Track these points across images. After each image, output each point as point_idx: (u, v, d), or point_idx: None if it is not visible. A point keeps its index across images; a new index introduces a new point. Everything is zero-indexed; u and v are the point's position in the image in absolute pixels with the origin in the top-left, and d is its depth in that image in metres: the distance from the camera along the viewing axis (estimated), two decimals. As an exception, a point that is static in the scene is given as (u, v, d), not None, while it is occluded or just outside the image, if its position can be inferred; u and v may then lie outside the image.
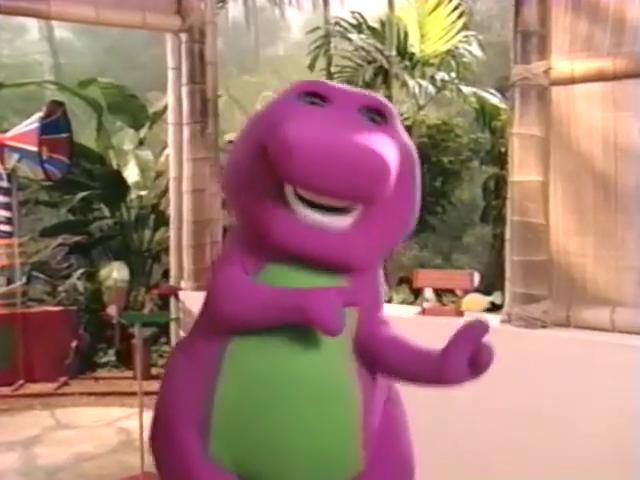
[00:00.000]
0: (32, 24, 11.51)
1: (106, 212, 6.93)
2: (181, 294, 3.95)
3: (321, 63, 7.14)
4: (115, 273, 6.12)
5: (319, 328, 1.41)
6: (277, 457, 1.53)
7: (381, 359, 1.56)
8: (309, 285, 1.48)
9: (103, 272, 6.20)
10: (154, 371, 5.96)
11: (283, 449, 1.51)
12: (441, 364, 1.45)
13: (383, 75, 6.79)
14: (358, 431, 1.54)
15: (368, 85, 6.81)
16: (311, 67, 7.07)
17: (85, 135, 6.97)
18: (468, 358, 1.45)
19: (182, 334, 3.95)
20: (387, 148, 1.41)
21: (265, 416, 1.51)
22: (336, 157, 1.33)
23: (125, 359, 6.00)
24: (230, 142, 7.13)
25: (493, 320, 2.90)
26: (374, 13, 7.25)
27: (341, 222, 1.47)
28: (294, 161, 1.34)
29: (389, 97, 6.75)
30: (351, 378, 1.54)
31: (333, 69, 7.16)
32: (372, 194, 1.40)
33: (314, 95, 1.53)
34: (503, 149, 6.59)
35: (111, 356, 6.16)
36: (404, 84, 6.59)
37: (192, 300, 3.86)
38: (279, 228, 1.47)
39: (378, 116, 1.54)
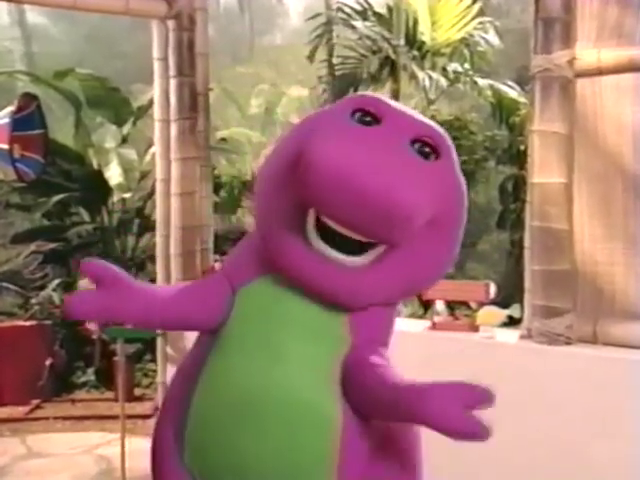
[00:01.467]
0: (1, 7, 11.53)
1: (85, 216, 6.94)
2: (168, 307, 3.96)
3: (322, 53, 7.16)
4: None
5: None
6: (243, 475, 1.57)
7: (357, 382, 1.55)
8: (295, 310, 1.57)
9: (82, 283, 6.18)
10: (138, 392, 5.96)
11: (249, 467, 1.56)
12: (421, 392, 1.36)
13: (390, 66, 6.80)
14: (333, 456, 1.56)
15: (373, 77, 6.83)
16: (311, 58, 7.08)
17: (62, 132, 6.98)
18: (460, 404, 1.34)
19: (169, 351, 3.95)
20: (422, 189, 1.43)
21: (233, 431, 1.55)
22: (356, 189, 1.36)
23: (106, 379, 6.00)
24: (222, 140, 7.16)
25: (511, 335, 2.90)
26: (380, -2, 7.27)
27: (356, 261, 1.51)
28: (312, 180, 1.38)
29: (396, 90, 6.77)
30: (329, 398, 1.56)
31: (335, 60, 7.18)
32: (389, 238, 1.44)
33: (366, 113, 1.55)
34: (522, 147, 6.60)
35: (90, 375, 6.15)
36: (413, 76, 6.61)
37: (180, 313, 3.86)
38: (290, 255, 1.53)
39: (430, 149, 1.55)
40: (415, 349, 2.78)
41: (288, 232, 1.53)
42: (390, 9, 6.97)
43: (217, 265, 3.82)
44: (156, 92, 4.14)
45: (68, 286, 6.41)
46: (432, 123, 1.64)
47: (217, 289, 1.65)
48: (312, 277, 1.52)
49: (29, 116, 5.56)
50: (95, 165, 6.60)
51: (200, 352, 1.66)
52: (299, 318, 1.58)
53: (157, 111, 4.12)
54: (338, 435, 1.55)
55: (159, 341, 4.16)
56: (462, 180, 1.64)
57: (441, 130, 1.63)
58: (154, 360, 5.04)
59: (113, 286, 1.53)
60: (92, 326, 5.78)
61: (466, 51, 6.97)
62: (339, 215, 1.43)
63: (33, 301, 6.34)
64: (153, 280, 5.07)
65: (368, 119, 1.54)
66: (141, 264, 6.65)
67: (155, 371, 4.96)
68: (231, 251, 1.80)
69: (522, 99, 6.84)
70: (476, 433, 1.32)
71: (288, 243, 1.54)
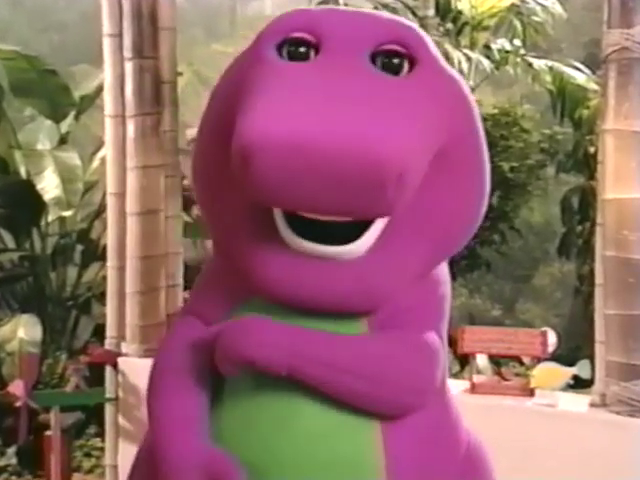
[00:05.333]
0: None
1: (9, 241, 6.95)
2: (121, 362, 3.97)
3: (325, 26, 7.23)
4: (22, 331, 6.11)
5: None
6: None
7: None
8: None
9: (3, 330, 6.20)
10: (77, 479, 5.93)
11: None
12: None
13: (415, 43, 6.88)
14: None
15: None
16: (311, 32, 7.15)
17: (-22, 128, 7.02)
18: None
19: (122, 421, 3.96)
20: (402, 123, 1.41)
21: None
22: (316, 164, 1.36)
23: (33, 461, 5.97)
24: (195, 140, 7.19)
25: (579, 403, 2.91)
26: (402, -46, 7.34)
27: (354, 249, 1.50)
28: (256, 173, 1.37)
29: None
30: (366, 436, 1.61)
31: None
32: (382, 210, 1.44)
33: (296, 41, 1.55)
34: (592, 150, 6.63)
35: (11, 458, 6.11)
36: (446, 57, 6.64)
37: (138, 371, 3.86)
38: (268, 268, 1.52)
39: (400, 57, 1.54)
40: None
41: (253, 239, 1.52)
42: (415, -31, 7.05)
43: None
44: (107, 78, 4.16)
45: (-15, 335, 6.41)
46: (391, 18, 1.63)
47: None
48: (302, 288, 1.51)
49: None
50: (23, 173, 6.62)
51: None
52: None
53: (108, 104, 4.15)
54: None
55: (108, 409, 4.15)
56: (458, 80, 1.63)
57: (405, 24, 1.62)
58: (100, 434, 5.04)
59: None
60: (17, 389, 5.76)
61: (517, 22, 7.02)
62: (308, 204, 1.42)
63: None
64: (101, 326, 5.07)
65: (302, 50, 1.53)
66: (84, 305, 6.64)
67: (102, 449, 4.95)
68: (195, 284, 1.80)
69: (592, 85, 6.88)
70: None
71: (258, 253, 1.52)
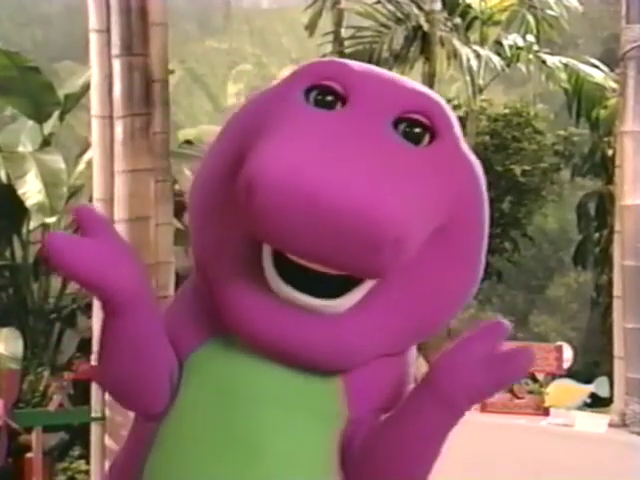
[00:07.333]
0: None
1: (-11, 250, 6.96)
2: (108, 379, 3.96)
3: (326, 22, 7.22)
4: (1, 346, 6.12)
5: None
6: None
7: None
8: (273, 380, 1.61)
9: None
10: (60, 503, 5.93)
11: None
12: (436, 383, 1.55)
13: (421, 41, 6.87)
14: None
15: (397, 56, 6.89)
16: (310, 28, 7.15)
17: (-45, 129, 7.04)
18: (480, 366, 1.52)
19: (108, 442, 3.96)
20: (413, 192, 1.47)
21: None
22: (319, 211, 1.40)
23: (15, 484, 5.98)
24: (187, 142, 7.20)
25: (597, 422, 2.92)
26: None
27: (336, 305, 1.54)
28: (256, 206, 1.41)
29: (430, 74, 6.83)
30: None
31: (344, 32, 7.24)
32: (374, 270, 1.48)
33: (325, 89, 1.59)
34: (610, 153, 6.64)
35: (-9, 480, 6.13)
36: (453, 54, 6.67)
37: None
38: (242, 306, 1.56)
39: (422, 128, 1.59)
40: (457, 440, 2.77)
41: (236, 273, 1.56)
42: (421, -40, 7.06)
43: None
44: (93, 76, 4.17)
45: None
46: (422, 89, 1.67)
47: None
48: (276, 334, 1.55)
49: None
50: (3, 177, 6.63)
51: (139, 449, 1.68)
52: (273, 394, 1.62)
53: (95, 103, 4.15)
54: None
55: (93, 429, 4.15)
56: (475, 164, 1.67)
57: (434, 97, 1.66)
58: (85, 456, 5.03)
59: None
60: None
61: (530, 17, 7.02)
62: (301, 248, 1.46)
63: None
64: (86, 340, 5.07)
65: (329, 98, 1.58)
66: (69, 317, 6.64)
67: (87, 472, 4.95)
68: (171, 302, 1.82)
69: (610, 84, 6.88)
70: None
71: (237, 289, 1.56)
